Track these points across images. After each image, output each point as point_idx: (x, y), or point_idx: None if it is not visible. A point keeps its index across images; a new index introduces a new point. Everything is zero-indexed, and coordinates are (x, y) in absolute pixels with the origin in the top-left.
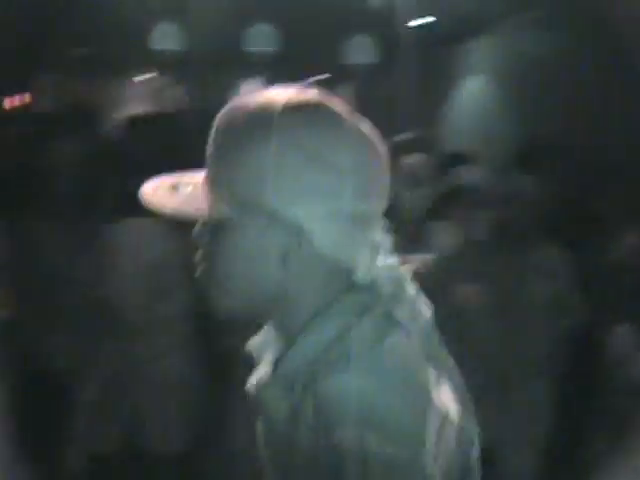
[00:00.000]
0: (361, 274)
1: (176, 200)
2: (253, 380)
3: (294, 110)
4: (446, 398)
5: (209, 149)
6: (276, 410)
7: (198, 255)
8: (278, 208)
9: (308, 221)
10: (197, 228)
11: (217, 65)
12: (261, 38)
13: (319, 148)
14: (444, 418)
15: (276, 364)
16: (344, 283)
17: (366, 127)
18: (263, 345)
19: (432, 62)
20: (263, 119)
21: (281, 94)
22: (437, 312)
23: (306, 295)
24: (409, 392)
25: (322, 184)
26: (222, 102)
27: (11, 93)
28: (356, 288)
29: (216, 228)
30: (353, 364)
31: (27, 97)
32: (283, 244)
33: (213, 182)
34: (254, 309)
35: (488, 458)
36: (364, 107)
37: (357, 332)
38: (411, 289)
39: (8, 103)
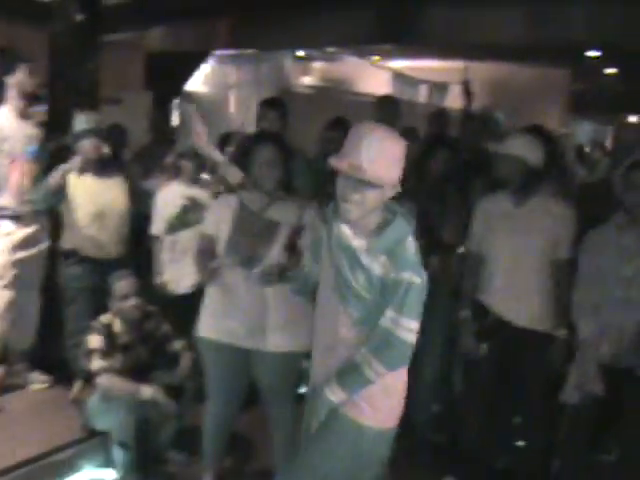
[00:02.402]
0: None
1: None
2: (355, 243)
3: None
4: None
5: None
6: (368, 258)
7: (350, 194)
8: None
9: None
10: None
11: None
12: None
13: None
14: None
15: (369, 241)
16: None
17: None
18: (352, 234)
19: None
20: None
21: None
22: None
23: (376, 214)
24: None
25: (396, 173)
26: None
27: None
28: (398, 215)
29: (362, 183)
30: (409, 249)
31: None
32: (383, 196)
33: (363, 165)
34: (362, 217)
35: None
36: None
37: (410, 237)
38: None
39: None
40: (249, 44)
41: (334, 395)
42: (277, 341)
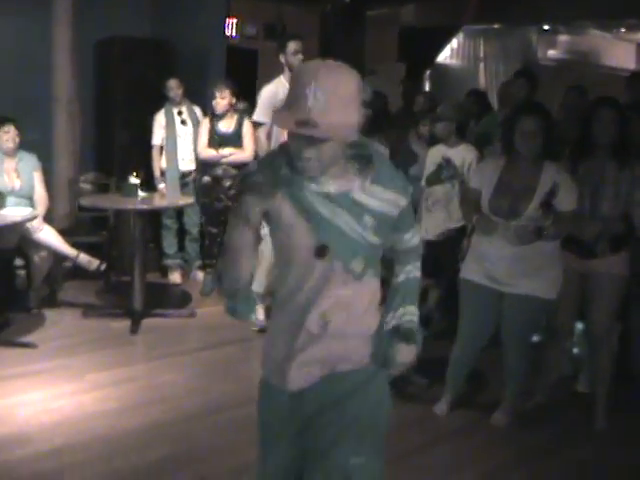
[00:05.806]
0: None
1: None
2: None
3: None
4: None
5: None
6: (370, 199)
7: (304, 150)
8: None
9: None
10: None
11: None
12: None
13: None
14: None
15: (362, 182)
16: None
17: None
18: (332, 183)
19: None
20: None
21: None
22: None
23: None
24: None
25: (353, 116)
26: None
27: None
28: (367, 146)
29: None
30: (396, 173)
31: None
32: (343, 144)
33: (311, 119)
34: (326, 169)
35: None
36: None
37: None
38: None
39: None
40: (497, 19)
41: (408, 355)
42: (530, 284)
